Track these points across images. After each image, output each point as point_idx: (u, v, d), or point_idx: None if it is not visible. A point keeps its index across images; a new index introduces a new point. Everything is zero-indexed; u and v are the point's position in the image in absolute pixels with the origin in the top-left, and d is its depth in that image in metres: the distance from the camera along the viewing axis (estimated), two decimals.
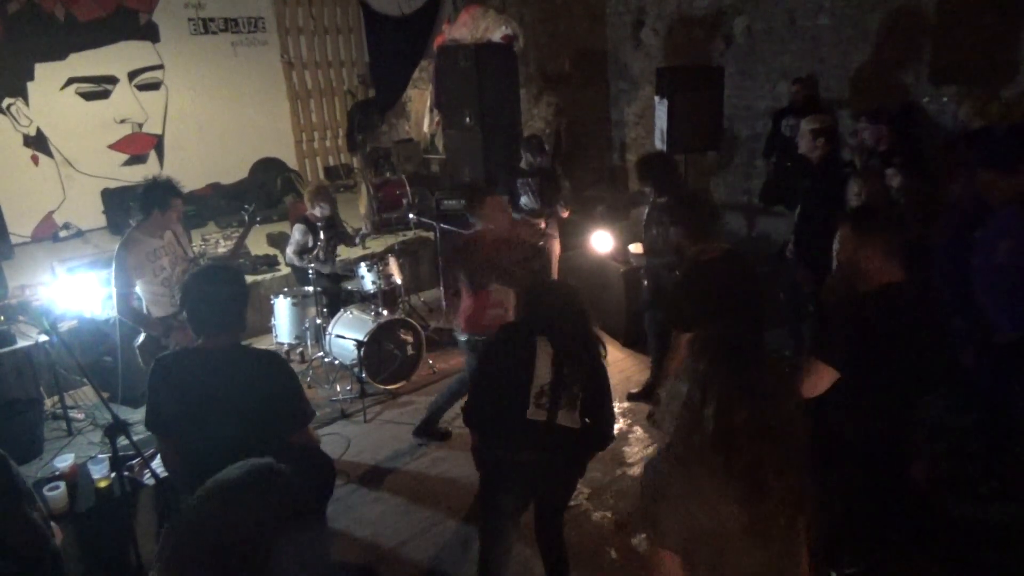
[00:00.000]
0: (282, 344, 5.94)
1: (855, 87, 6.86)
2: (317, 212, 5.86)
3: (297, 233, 5.87)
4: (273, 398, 2.56)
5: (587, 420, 2.85)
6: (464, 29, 7.83)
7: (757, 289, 3.36)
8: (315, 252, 5.80)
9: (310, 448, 2.55)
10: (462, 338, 4.26)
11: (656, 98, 6.27)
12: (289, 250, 5.91)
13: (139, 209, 4.28)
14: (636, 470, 4.27)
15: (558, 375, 2.75)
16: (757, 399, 1.62)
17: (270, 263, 6.96)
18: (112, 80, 8.23)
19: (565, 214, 6.13)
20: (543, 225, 6.02)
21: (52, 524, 2.97)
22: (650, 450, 4.49)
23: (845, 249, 2.76)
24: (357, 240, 6.29)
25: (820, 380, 2.62)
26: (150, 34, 8.42)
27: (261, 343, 6.25)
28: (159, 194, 4.24)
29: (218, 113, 8.97)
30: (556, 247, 6.23)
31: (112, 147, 8.34)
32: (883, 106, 5.80)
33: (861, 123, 5.46)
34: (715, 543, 1.64)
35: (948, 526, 3.59)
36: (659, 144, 6.39)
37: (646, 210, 4.92)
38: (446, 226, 6.22)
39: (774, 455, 1.60)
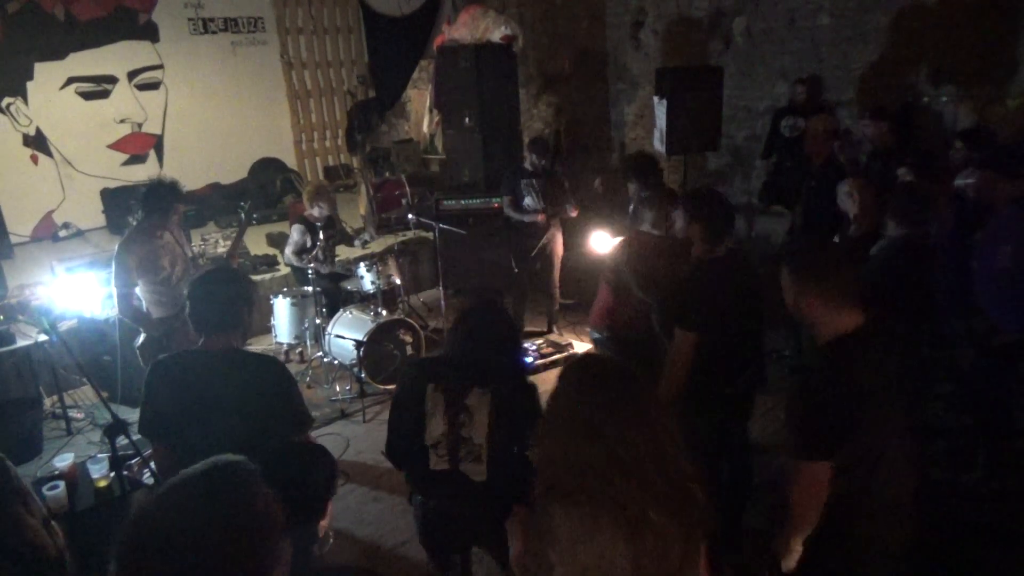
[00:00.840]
0: (281, 344, 5.95)
1: (854, 87, 6.86)
2: (316, 212, 5.85)
3: (295, 233, 5.86)
4: (272, 402, 2.54)
5: (491, 475, 2.56)
6: (464, 29, 7.84)
7: (758, 291, 3.35)
8: (314, 252, 5.80)
9: (312, 446, 2.54)
10: (597, 335, 4.25)
11: (655, 98, 6.27)
12: (288, 250, 5.90)
13: (141, 209, 4.29)
14: None
15: (452, 428, 2.53)
16: (607, 436, 1.49)
17: (269, 263, 6.96)
18: (112, 80, 8.22)
19: (574, 213, 6.13)
20: (542, 218, 6.02)
21: (54, 524, 2.97)
22: None
23: (787, 295, 2.35)
24: (357, 242, 6.29)
25: (815, 478, 2.19)
26: (150, 34, 8.41)
27: (260, 343, 6.26)
28: (163, 197, 4.24)
29: (218, 113, 8.96)
30: (559, 248, 6.23)
31: (112, 147, 8.33)
32: (884, 105, 5.80)
33: (864, 121, 5.46)
34: None
35: (947, 526, 3.59)
36: (658, 145, 6.39)
37: (631, 207, 4.93)
38: (445, 226, 6.22)
39: (648, 485, 1.47)
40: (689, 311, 3.15)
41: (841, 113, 6.82)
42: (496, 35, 7.68)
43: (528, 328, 6.42)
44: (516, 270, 6.24)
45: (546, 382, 5.84)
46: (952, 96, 6.29)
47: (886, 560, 2.29)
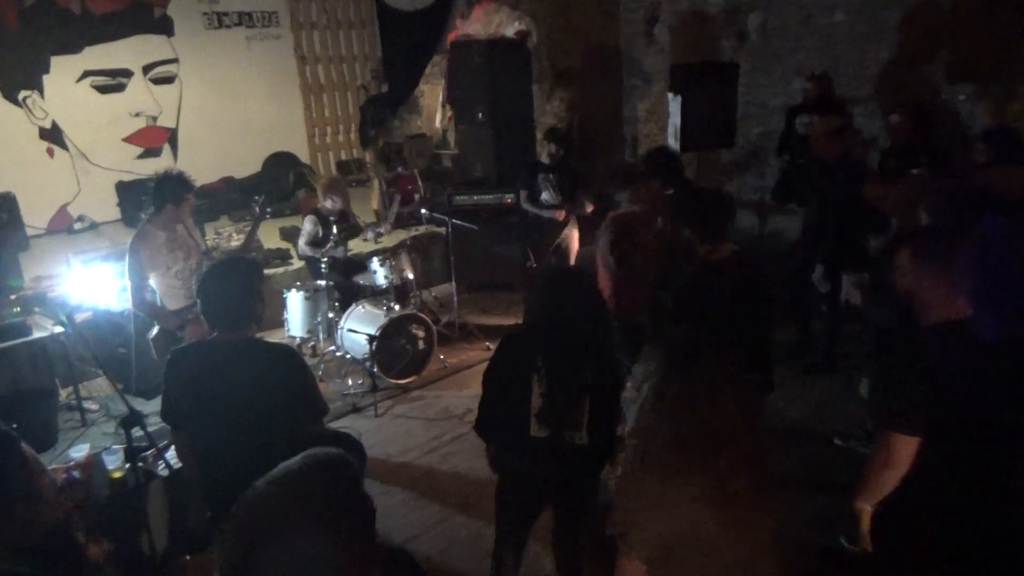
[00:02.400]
0: (294, 338, 5.96)
1: (870, 84, 6.81)
2: (329, 204, 5.88)
3: (308, 224, 5.90)
4: (286, 392, 2.57)
5: (592, 438, 2.68)
6: (477, 24, 7.84)
7: (764, 295, 3.34)
8: (327, 246, 5.82)
9: (342, 434, 2.56)
10: None
11: (669, 95, 6.25)
12: (301, 241, 5.94)
13: (151, 203, 4.31)
14: None
15: (550, 397, 2.64)
16: (703, 404, 1.60)
17: (283, 256, 6.99)
18: (127, 73, 8.27)
19: (590, 209, 6.12)
20: (561, 215, 6.02)
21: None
22: None
23: (903, 278, 2.38)
24: (370, 235, 6.31)
25: (900, 453, 2.21)
26: (165, 28, 8.46)
27: (273, 336, 6.27)
28: (171, 188, 4.27)
29: (231, 107, 9.00)
30: (575, 244, 6.23)
31: (126, 140, 8.39)
32: (909, 102, 5.75)
33: (890, 117, 5.41)
34: (686, 549, 1.62)
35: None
36: (672, 141, 6.37)
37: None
38: (458, 221, 6.23)
39: (728, 457, 1.58)
40: (689, 312, 3.15)
41: (856, 110, 6.77)
42: (510, 30, 7.68)
43: None
44: (534, 265, 6.24)
45: None
46: (968, 94, 6.23)
47: (940, 551, 2.29)
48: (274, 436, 2.36)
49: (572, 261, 6.24)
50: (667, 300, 3.56)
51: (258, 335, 2.82)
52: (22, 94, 7.61)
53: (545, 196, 6.04)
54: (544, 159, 6.14)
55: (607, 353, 2.75)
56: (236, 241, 6.96)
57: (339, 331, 5.61)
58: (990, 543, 2.26)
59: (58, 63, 7.77)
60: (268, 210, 5.52)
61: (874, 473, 2.29)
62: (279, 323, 6.01)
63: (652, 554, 1.65)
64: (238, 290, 2.60)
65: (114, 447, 3.75)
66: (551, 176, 6.03)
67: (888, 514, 2.31)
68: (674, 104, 6.16)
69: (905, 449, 2.20)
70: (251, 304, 2.62)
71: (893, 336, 3.26)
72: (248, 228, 5.51)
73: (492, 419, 2.84)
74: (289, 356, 2.71)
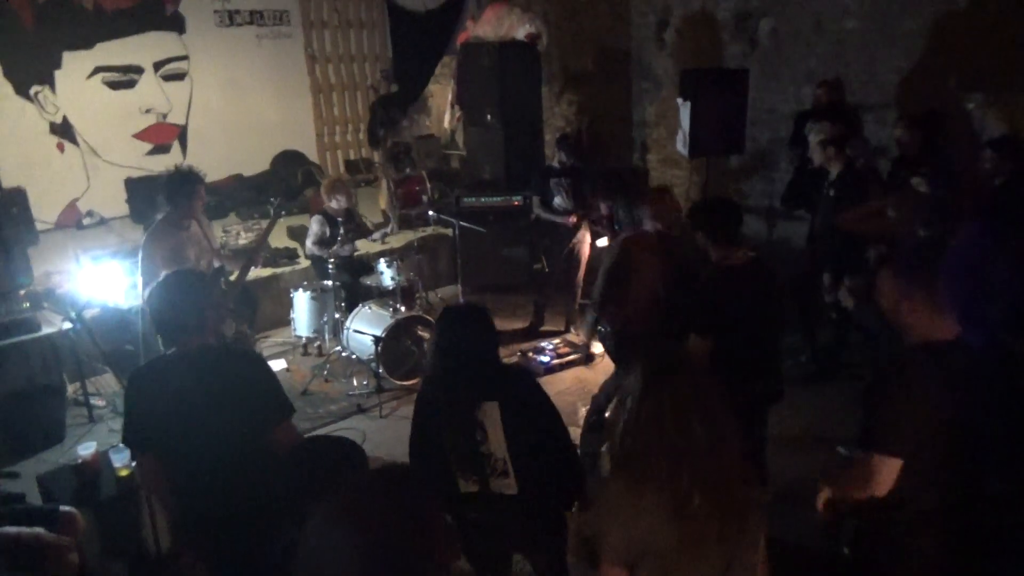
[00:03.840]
0: (300, 337, 5.99)
1: (881, 91, 6.79)
2: (334, 204, 5.91)
3: (315, 225, 5.93)
4: (251, 392, 2.54)
5: (523, 486, 2.47)
6: (488, 26, 7.84)
7: (778, 299, 3.35)
8: (335, 246, 5.84)
9: (343, 440, 2.54)
10: (601, 329, 4.33)
11: (679, 100, 6.24)
12: (308, 241, 5.96)
13: (166, 200, 4.34)
14: None
15: (471, 447, 2.45)
16: (670, 423, 1.66)
17: (290, 256, 7.00)
18: (138, 70, 8.31)
19: (605, 212, 6.15)
20: (574, 220, 6.04)
21: (71, 510, 3.02)
22: None
23: (885, 298, 2.34)
24: (377, 236, 6.32)
25: (881, 475, 2.19)
26: (176, 25, 8.49)
27: (279, 336, 6.31)
28: (183, 182, 4.30)
29: (241, 105, 9.03)
30: (586, 248, 6.23)
31: (136, 136, 8.42)
32: (916, 113, 5.75)
33: (899, 128, 5.42)
34: (657, 559, 1.69)
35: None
36: (680, 147, 6.37)
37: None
38: (465, 223, 6.23)
39: (698, 474, 1.64)
40: (703, 317, 3.16)
41: (867, 117, 6.74)
42: (520, 33, 7.68)
43: (546, 327, 6.42)
44: (547, 270, 6.25)
45: (563, 381, 5.86)
46: (979, 103, 6.21)
47: (918, 565, 2.30)
48: (244, 438, 2.39)
49: (583, 266, 6.24)
50: (682, 306, 3.58)
51: (263, 334, 2.83)
52: (34, 89, 7.65)
53: (558, 200, 6.06)
54: (555, 164, 6.15)
55: (522, 395, 2.52)
56: (244, 239, 6.97)
57: (345, 331, 5.62)
58: (973, 550, 2.28)
59: (70, 59, 7.81)
60: (283, 212, 5.55)
61: (850, 487, 2.32)
62: (286, 322, 6.03)
63: (625, 559, 1.73)
64: (185, 302, 2.55)
65: (121, 445, 3.75)
66: (563, 180, 6.04)
67: (878, 525, 2.33)
68: (683, 109, 6.15)
69: (887, 471, 2.18)
70: (202, 313, 2.58)
71: (880, 351, 3.31)
72: (258, 227, 5.53)
73: (422, 472, 2.57)
74: (248, 357, 2.72)
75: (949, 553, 2.27)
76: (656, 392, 1.71)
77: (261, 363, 2.71)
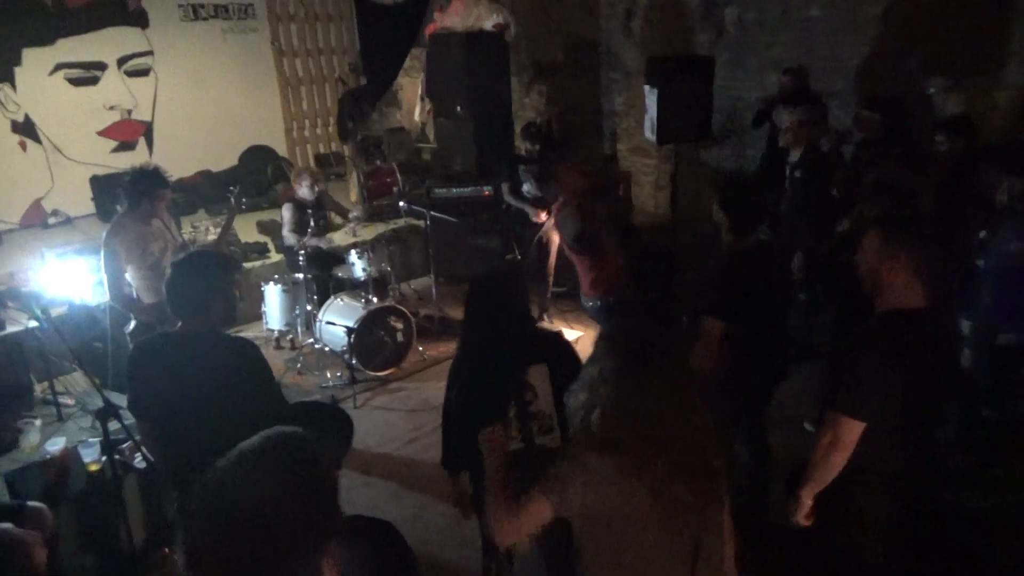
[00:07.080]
0: (272, 331, 5.96)
1: (845, 78, 6.89)
2: (303, 191, 5.92)
3: (286, 212, 5.98)
4: (249, 382, 2.60)
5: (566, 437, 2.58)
6: (456, 17, 7.83)
7: (786, 282, 3.39)
8: (310, 229, 5.82)
9: (331, 406, 2.58)
10: (592, 303, 4.32)
11: (646, 87, 6.27)
12: (284, 230, 5.99)
13: (126, 198, 4.26)
14: None
15: (521, 409, 2.54)
16: (645, 409, 1.64)
17: (260, 250, 6.96)
18: (101, 66, 8.17)
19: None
20: (543, 217, 6.06)
21: (39, 506, 3.00)
22: None
23: (867, 257, 2.38)
24: (350, 225, 6.32)
25: (846, 436, 2.29)
26: (139, 20, 8.36)
27: (251, 330, 6.26)
28: (147, 185, 4.22)
29: (208, 100, 8.92)
30: (557, 237, 6.25)
31: (101, 133, 8.29)
32: (876, 96, 5.83)
33: (857, 111, 5.51)
34: (617, 524, 1.66)
35: (949, 516, 3.61)
36: (648, 134, 6.40)
37: None
38: (437, 214, 6.23)
39: (666, 461, 1.63)
40: (716, 300, 3.18)
41: (832, 103, 6.84)
42: (488, 23, 7.68)
43: None
44: (519, 257, 6.27)
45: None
46: (940, 87, 6.32)
47: (877, 531, 2.37)
48: (241, 423, 2.38)
49: (554, 254, 6.27)
50: (694, 287, 3.60)
51: (235, 329, 2.85)
52: None
53: (527, 187, 6.09)
54: (523, 153, 6.19)
55: (565, 355, 2.68)
56: (212, 235, 6.91)
57: (317, 324, 5.60)
58: (922, 516, 2.40)
59: (30, 55, 7.66)
60: (244, 200, 5.51)
61: (820, 455, 2.35)
62: (257, 316, 5.99)
63: (565, 510, 1.71)
64: (206, 284, 2.62)
65: (91, 440, 3.72)
66: (532, 168, 6.08)
67: (840, 489, 2.37)
68: (651, 97, 6.18)
69: (851, 433, 2.27)
70: (217, 299, 2.64)
71: (850, 322, 3.39)
72: (224, 221, 5.49)
73: (463, 448, 2.67)
74: (251, 348, 2.75)
75: (911, 516, 2.33)
76: (632, 376, 1.69)
77: (259, 355, 2.74)
